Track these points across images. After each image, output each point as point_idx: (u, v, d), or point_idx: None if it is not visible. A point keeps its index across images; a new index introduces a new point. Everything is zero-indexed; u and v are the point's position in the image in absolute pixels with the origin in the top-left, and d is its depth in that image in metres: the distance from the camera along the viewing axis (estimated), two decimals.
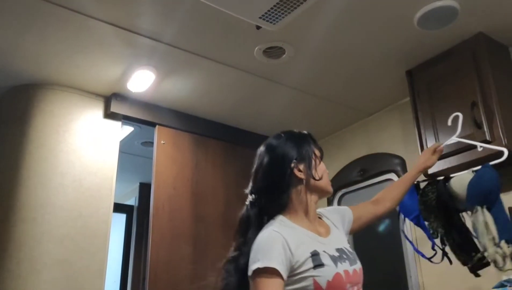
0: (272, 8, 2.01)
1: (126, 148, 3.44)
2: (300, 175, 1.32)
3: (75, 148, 2.75)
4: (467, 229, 2.04)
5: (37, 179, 2.59)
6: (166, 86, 2.84)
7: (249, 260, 1.20)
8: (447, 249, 2.11)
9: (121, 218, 4.42)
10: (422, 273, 2.70)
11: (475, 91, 2.27)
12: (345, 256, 1.27)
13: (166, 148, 3.07)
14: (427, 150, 1.89)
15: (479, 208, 1.83)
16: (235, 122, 3.38)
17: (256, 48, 2.45)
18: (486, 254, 1.82)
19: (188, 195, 3.07)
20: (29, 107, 2.75)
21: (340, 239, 1.36)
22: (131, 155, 3.76)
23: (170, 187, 3.00)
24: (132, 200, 4.57)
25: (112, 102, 2.89)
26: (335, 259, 1.22)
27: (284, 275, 1.16)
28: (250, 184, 1.39)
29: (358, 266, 1.28)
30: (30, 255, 2.44)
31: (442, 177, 2.10)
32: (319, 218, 1.41)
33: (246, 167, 3.43)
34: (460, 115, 2.04)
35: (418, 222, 2.07)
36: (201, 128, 3.27)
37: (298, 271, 1.18)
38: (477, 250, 1.99)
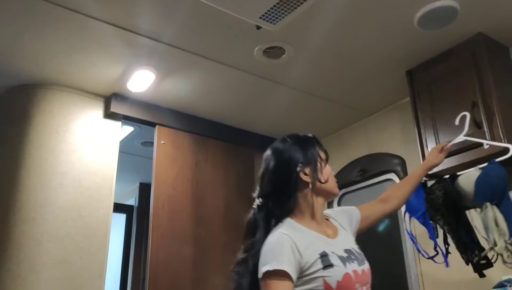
0: (272, 8, 2.01)
1: (126, 148, 3.44)
2: (306, 178, 1.34)
3: (75, 148, 2.75)
4: (471, 227, 2.05)
5: (37, 179, 2.59)
6: (166, 86, 2.84)
7: (258, 263, 1.21)
8: (450, 249, 2.11)
9: (121, 218, 4.43)
10: (422, 273, 2.70)
11: (475, 91, 2.27)
12: (353, 257, 1.28)
13: (166, 148, 3.07)
14: (435, 148, 1.92)
15: (488, 204, 1.85)
16: (235, 122, 3.38)
17: (256, 48, 2.45)
18: (496, 248, 1.83)
19: (188, 195, 3.07)
20: (28, 107, 2.75)
21: (348, 240, 1.38)
22: (131, 155, 3.76)
23: (170, 187, 3.00)
24: (132, 200, 4.58)
25: (112, 102, 2.89)
26: (343, 260, 1.24)
27: (294, 277, 1.17)
28: (257, 188, 1.39)
29: (366, 266, 1.30)
30: (30, 255, 2.44)
31: (448, 176, 2.11)
32: (327, 219, 1.42)
33: (246, 167, 3.50)
34: (468, 114, 2.06)
35: (424, 221, 2.08)
36: (201, 128, 3.27)
37: (308, 272, 1.19)
38: (480, 249, 2.00)
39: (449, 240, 2.13)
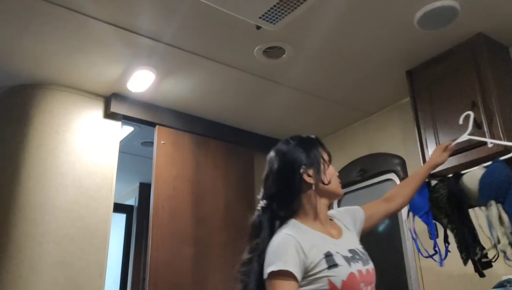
0: (272, 8, 2.01)
1: (126, 148, 3.44)
2: (310, 180, 1.35)
3: (75, 148, 2.75)
4: (473, 226, 2.06)
5: (37, 179, 2.59)
6: (166, 86, 2.84)
7: (264, 263, 1.22)
8: (450, 248, 2.11)
9: (121, 218, 4.43)
10: (422, 273, 2.70)
11: (475, 91, 2.27)
12: (357, 257, 1.29)
13: (166, 148, 3.07)
14: (439, 147, 1.94)
15: (493, 202, 1.86)
16: (235, 122, 3.38)
17: (256, 48, 2.45)
18: (499, 245, 1.83)
19: (188, 195, 3.07)
20: (28, 107, 2.75)
21: (352, 241, 1.39)
22: (131, 155, 3.77)
23: (170, 187, 3.00)
24: (132, 200, 4.58)
25: (112, 102, 2.89)
26: (348, 259, 1.25)
27: (299, 277, 1.19)
28: (261, 189, 1.40)
29: (370, 266, 1.31)
30: (30, 256, 2.44)
31: (451, 174, 2.11)
32: (330, 220, 1.43)
33: (246, 167, 3.50)
34: (471, 113, 2.08)
35: (427, 219, 2.08)
36: (201, 128, 3.27)
37: (313, 272, 1.20)
38: (482, 247, 2.00)
39: (449, 239, 2.13)
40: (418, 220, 2.17)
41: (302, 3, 1.98)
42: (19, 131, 2.69)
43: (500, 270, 2.10)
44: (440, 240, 2.13)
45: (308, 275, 1.20)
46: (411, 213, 2.17)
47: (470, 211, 2.07)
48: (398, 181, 2.99)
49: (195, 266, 2.93)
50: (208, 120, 3.30)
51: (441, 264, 2.08)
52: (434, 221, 2.12)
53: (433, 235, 2.09)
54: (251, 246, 1.32)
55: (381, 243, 3.07)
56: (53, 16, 2.17)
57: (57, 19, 2.19)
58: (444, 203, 2.07)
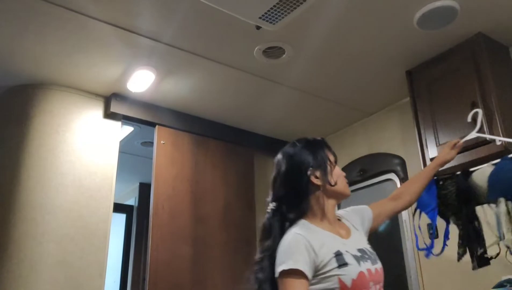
0: (272, 8, 2.01)
1: (126, 148, 3.44)
2: (317, 181, 1.36)
3: (75, 148, 2.75)
4: (479, 223, 2.06)
5: (37, 179, 2.59)
6: (166, 86, 2.84)
7: (275, 263, 1.24)
8: (449, 247, 2.11)
9: (121, 218, 4.43)
10: (422, 273, 2.70)
11: (475, 91, 2.27)
12: (366, 256, 1.31)
13: (166, 148, 3.07)
14: (447, 145, 1.93)
15: (502, 199, 1.86)
16: (235, 122, 3.38)
17: (256, 48, 2.45)
18: (503, 241, 1.83)
19: (188, 195, 3.07)
20: (28, 107, 2.75)
21: (360, 240, 1.40)
22: (131, 155, 3.77)
23: (170, 187, 3.00)
24: (132, 200, 4.58)
25: (112, 102, 2.89)
26: (357, 259, 1.27)
27: (309, 276, 1.20)
28: (270, 192, 1.42)
29: (379, 265, 1.33)
30: (30, 255, 2.44)
31: (459, 172, 2.11)
32: (339, 220, 1.45)
33: (246, 167, 3.50)
34: (480, 111, 2.07)
35: (433, 216, 2.08)
36: (201, 128, 3.27)
37: (323, 271, 1.22)
38: (483, 244, 2.00)
39: (449, 235, 2.13)
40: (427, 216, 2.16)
41: (302, 3, 1.98)
42: (19, 131, 2.70)
43: (500, 270, 2.10)
44: (439, 241, 2.13)
45: (318, 273, 1.22)
46: (418, 210, 2.17)
47: (479, 208, 2.07)
48: (398, 181, 2.99)
49: (195, 265, 2.94)
50: (208, 120, 3.30)
51: (427, 257, 2.09)
52: (440, 217, 2.12)
53: (433, 230, 2.09)
54: (263, 247, 1.34)
55: (381, 243, 3.06)
56: (53, 16, 2.17)
57: (57, 19, 2.19)
58: (453, 200, 2.08)
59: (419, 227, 2.16)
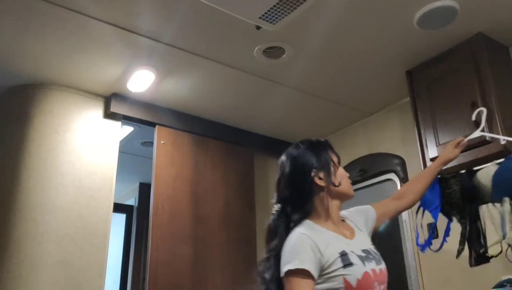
0: (272, 8, 2.01)
1: (126, 148, 3.44)
2: (321, 183, 1.37)
3: (75, 148, 2.75)
4: (481, 221, 2.06)
5: (37, 179, 2.59)
6: (166, 86, 2.84)
7: (280, 263, 1.26)
8: (450, 246, 2.11)
9: (121, 218, 4.43)
10: (422, 273, 2.70)
11: (475, 91, 2.27)
12: (371, 256, 1.32)
13: (166, 148, 3.07)
14: (451, 143, 1.94)
15: (507, 199, 1.86)
16: (235, 122, 3.38)
17: (256, 48, 2.45)
18: (505, 239, 1.84)
19: (188, 195, 3.07)
20: (28, 107, 2.75)
21: (364, 241, 1.42)
22: (131, 155, 3.77)
23: (170, 187, 3.00)
24: (132, 200, 4.58)
25: (112, 102, 2.89)
26: (362, 259, 1.28)
27: (315, 275, 1.22)
28: (274, 193, 1.44)
29: (383, 266, 1.34)
30: (30, 255, 2.44)
31: (464, 171, 2.11)
32: (343, 221, 1.46)
33: (246, 167, 3.50)
34: (484, 109, 2.07)
35: (436, 214, 2.08)
36: (201, 128, 3.27)
37: (328, 270, 1.23)
38: (485, 242, 2.01)
39: (450, 232, 2.13)
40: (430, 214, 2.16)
41: (302, 3, 1.98)
42: (19, 131, 2.70)
43: (500, 270, 2.10)
44: (438, 241, 2.13)
45: (323, 273, 1.23)
46: (421, 208, 2.17)
47: (483, 207, 2.07)
48: (398, 181, 2.99)
49: (195, 265, 2.94)
50: (207, 120, 3.30)
51: (422, 250, 2.09)
52: (443, 215, 2.12)
53: (433, 230, 2.09)
54: (269, 247, 1.35)
55: (381, 243, 3.05)
56: (53, 16, 2.17)
57: (57, 19, 2.19)
58: (457, 198, 2.08)
59: (422, 226, 2.16)
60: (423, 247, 2.08)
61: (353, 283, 1.21)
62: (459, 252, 2.04)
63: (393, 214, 1.65)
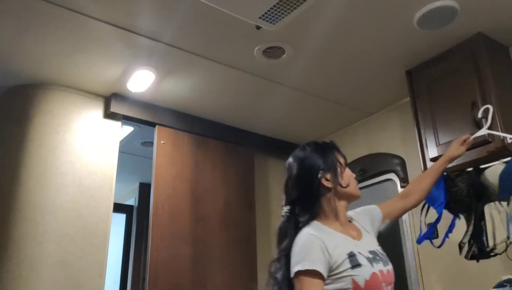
0: (272, 8, 2.01)
1: (126, 148, 3.44)
2: (328, 184, 1.39)
3: (75, 148, 2.75)
4: (485, 220, 2.07)
5: (37, 179, 2.59)
6: (166, 86, 2.84)
7: (290, 263, 1.27)
8: (450, 245, 2.11)
9: (121, 218, 4.43)
10: (422, 273, 2.70)
11: (475, 91, 2.27)
12: (378, 257, 1.34)
13: (166, 148, 3.07)
14: (456, 141, 1.94)
15: None
16: (235, 122, 3.38)
17: (256, 48, 2.45)
18: (510, 239, 1.84)
19: (188, 195, 3.07)
20: (28, 107, 2.75)
21: (371, 242, 1.43)
22: (131, 155, 3.77)
23: (170, 187, 3.00)
24: (132, 200, 4.58)
25: (112, 102, 2.89)
26: (370, 260, 1.30)
27: (325, 275, 1.23)
28: (283, 196, 1.45)
29: (390, 267, 1.36)
30: (30, 255, 2.44)
31: (470, 169, 2.11)
32: (349, 221, 1.47)
33: (246, 167, 3.50)
34: (491, 107, 2.06)
35: (441, 212, 2.08)
36: (201, 128, 3.27)
37: (336, 271, 1.25)
38: (486, 243, 2.01)
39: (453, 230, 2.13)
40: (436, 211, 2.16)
41: (302, 3, 1.98)
42: (19, 131, 2.70)
43: (499, 270, 2.10)
44: (438, 241, 2.13)
45: (332, 274, 1.24)
46: (426, 205, 2.17)
47: (490, 205, 2.07)
48: (398, 181, 2.99)
49: (195, 265, 2.93)
50: (207, 120, 3.30)
51: (418, 243, 2.09)
52: (449, 212, 2.11)
53: (435, 223, 2.09)
54: (280, 248, 1.36)
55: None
56: (53, 16, 2.17)
57: (57, 19, 2.19)
58: (464, 196, 2.07)
59: (425, 223, 2.16)
60: (420, 240, 2.08)
61: (361, 283, 1.23)
62: (461, 248, 2.04)
63: (399, 213, 1.66)
